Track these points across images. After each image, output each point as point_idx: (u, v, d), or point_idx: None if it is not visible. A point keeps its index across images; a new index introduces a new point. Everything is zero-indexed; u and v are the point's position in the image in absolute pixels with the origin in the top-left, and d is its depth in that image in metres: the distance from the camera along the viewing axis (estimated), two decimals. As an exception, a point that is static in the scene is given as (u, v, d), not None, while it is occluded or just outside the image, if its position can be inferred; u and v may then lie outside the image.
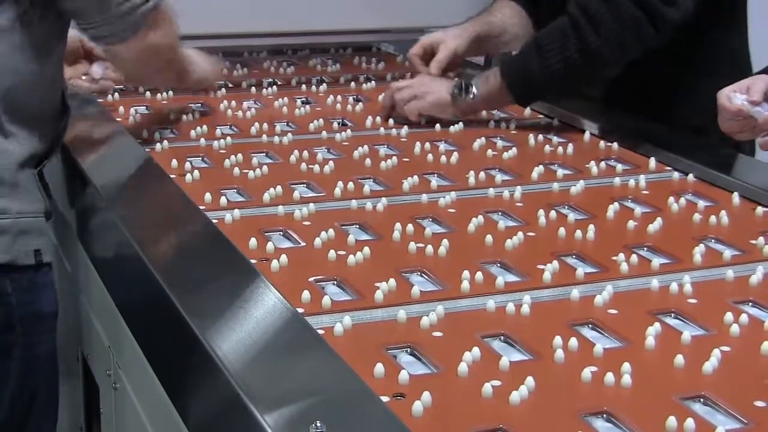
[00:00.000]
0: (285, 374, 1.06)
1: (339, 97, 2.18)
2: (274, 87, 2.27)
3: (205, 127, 1.95)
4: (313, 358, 1.08)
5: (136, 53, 1.69)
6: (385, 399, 1.02)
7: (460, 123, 1.99)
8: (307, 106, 2.12)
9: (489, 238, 1.43)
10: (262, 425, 0.95)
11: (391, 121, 2.02)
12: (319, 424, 0.92)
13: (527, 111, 2.11)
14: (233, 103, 2.12)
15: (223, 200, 1.56)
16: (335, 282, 1.30)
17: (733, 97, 1.63)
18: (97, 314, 1.66)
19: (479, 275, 1.31)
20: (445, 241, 1.40)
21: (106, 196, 1.57)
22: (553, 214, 1.53)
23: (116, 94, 2.20)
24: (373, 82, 2.33)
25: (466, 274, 1.30)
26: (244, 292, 1.24)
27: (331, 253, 1.37)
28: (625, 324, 1.20)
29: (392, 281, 1.28)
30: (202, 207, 1.52)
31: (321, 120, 2.01)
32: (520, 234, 1.44)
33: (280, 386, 1.03)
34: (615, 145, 1.88)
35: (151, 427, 1.36)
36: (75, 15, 1.59)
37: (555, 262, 1.35)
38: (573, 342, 1.14)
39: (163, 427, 1.30)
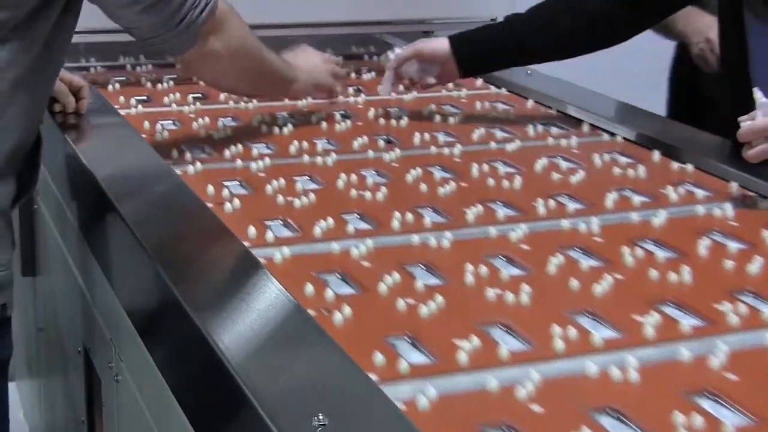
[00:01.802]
0: (287, 367, 1.04)
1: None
2: None
3: (239, 145, 1.79)
4: (316, 351, 1.05)
5: (201, 63, 1.68)
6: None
7: (517, 140, 1.84)
8: (348, 121, 1.96)
9: (574, 282, 1.27)
10: (263, 418, 0.93)
11: (440, 138, 1.87)
12: (321, 417, 0.90)
13: (586, 127, 1.95)
14: (266, 117, 1.97)
15: (269, 235, 1.40)
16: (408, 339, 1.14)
17: None
18: (98, 306, 1.61)
19: (572, 331, 1.14)
20: (525, 287, 1.24)
21: (110, 191, 1.50)
22: (639, 251, 1.37)
23: (139, 107, 2.04)
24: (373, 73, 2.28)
25: (557, 330, 1.14)
26: (247, 285, 1.21)
27: (401, 303, 1.20)
28: (750, 392, 1.04)
29: (476, 340, 1.11)
30: (246, 243, 1.36)
31: (365, 137, 1.85)
32: (608, 277, 1.28)
33: (282, 379, 1.01)
34: (689, 166, 1.72)
35: (153, 419, 1.32)
36: (141, 33, 1.59)
37: (654, 314, 1.19)
38: (697, 419, 0.98)
39: (164, 420, 1.26)
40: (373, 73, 2.34)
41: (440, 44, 1.98)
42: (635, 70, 3.50)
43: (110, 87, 2.20)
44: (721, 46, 1.90)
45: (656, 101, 2.53)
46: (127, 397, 1.45)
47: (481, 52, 1.99)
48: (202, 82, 2.03)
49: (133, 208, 1.44)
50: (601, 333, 1.15)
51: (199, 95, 2.13)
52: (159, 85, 2.22)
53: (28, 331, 2.37)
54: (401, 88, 2.06)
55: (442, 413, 1.00)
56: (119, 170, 1.63)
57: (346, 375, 1.01)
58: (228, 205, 1.50)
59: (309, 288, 1.23)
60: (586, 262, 1.34)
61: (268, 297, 1.16)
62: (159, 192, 1.54)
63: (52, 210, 1.98)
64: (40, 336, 2.24)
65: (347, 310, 1.18)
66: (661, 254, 1.37)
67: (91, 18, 1.53)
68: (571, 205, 1.54)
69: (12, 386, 1.63)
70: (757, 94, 1.53)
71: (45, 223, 2.08)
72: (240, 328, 1.11)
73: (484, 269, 1.30)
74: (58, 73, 1.53)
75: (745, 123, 1.52)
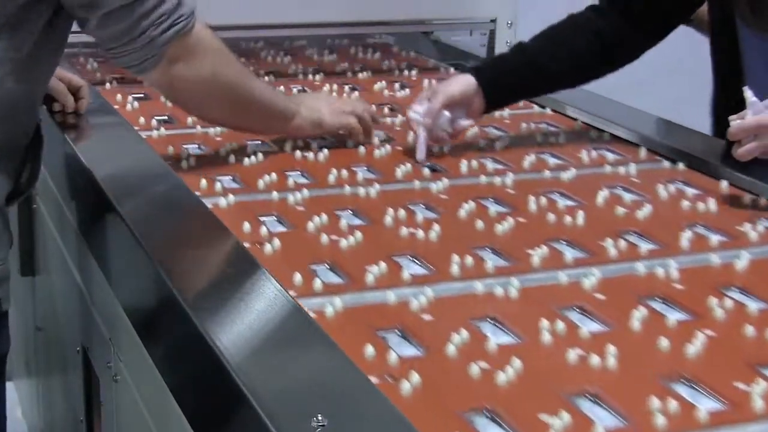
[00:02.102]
0: (286, 367, 1.03)
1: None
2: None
3: (273, 174, 1.65)
4: (315, 351, 1.05)
5: (168, 87, 1.60)
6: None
7: (572, 169, 1.70)
8: (388, 146, 1.82)
9: (663, 342, 1.13)
10: (262, 418, 0.92)
11: (489, 166, 1.74)
12: (320, 417, 0.89)
13: (643, 152, 1.82)
14: (299, 140, 1.83)
15: (317, 283, 1.26)
16: (489, 414, 1.01)
17: None
18: (97, 306, 1.60)
19: (672, 404, 1.01)
20: (610, 348, 1.11)
21: (109, 190, 1.49)
22: (728, 302, 1.23)
23: (162, 129, 1.90)
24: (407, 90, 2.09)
25: (654, 402, 1.01)
26: (246, 285, 1.20)
27: (474, 369, 1.07)
28: None
29: (566, 416, 0.98)
30: (292, 292, 1.22)
31: (408, 164, 1.71)
32: (700, 335, 1.14)
33: (282, 379, 1.00)
34: (763, 200, 1.59)
35: (152, 419, 1.31)
36: (102, 42, 1.52)
37: (760, 381, 1.06)
38: None
39: (163, 420, 1.26)
40: (407, 90, 2.21)
41: (465, 82, 1.79)
42: (636, 74, 3.41)
43: (128, 106, 2.06)
44: (714, 52, 1.88)
45: (660, 103, 2.42)
46: (126, 396, 1.44)
47: (505, 82, 1.84)
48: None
49: (132, 208, 1.43)
50: (704, 405, 1.02)
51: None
52: (211, 129, 2.04)
53: (26, 331, 2.33)
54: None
55: None
56: (119, 170, 1.61)
57: (346, 375, 0.99)
58: (268, 246, 1.37)
59: (369, 350, 1.10)
60: (672, 316, 1.20)
61: (267, 297, 1.15)
62: (158, 192, 1.53)
63: (51, 210, 1.95)
64: (38, 335, 2.21)
65: (415, 377, 1.04)
66: (752, 305, 1.23)
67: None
68: (644, 246, 1.41)
69: (10, 385, 1.63)
70: (747, 93, 1.53)
71: (44, 223, 2.05)
72: (239, 328, 1.10)
73: (560, 325, 1.16)
74: (53, 73, 1.52)
75: (735, 122, 1.52)
